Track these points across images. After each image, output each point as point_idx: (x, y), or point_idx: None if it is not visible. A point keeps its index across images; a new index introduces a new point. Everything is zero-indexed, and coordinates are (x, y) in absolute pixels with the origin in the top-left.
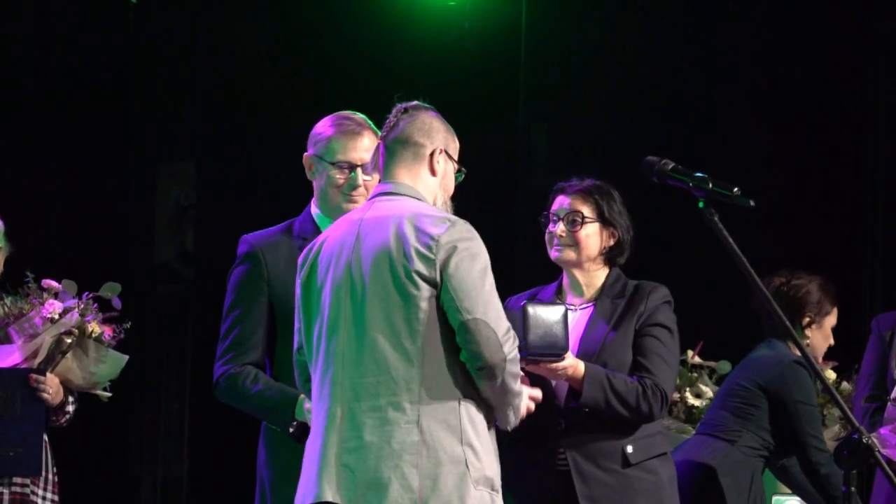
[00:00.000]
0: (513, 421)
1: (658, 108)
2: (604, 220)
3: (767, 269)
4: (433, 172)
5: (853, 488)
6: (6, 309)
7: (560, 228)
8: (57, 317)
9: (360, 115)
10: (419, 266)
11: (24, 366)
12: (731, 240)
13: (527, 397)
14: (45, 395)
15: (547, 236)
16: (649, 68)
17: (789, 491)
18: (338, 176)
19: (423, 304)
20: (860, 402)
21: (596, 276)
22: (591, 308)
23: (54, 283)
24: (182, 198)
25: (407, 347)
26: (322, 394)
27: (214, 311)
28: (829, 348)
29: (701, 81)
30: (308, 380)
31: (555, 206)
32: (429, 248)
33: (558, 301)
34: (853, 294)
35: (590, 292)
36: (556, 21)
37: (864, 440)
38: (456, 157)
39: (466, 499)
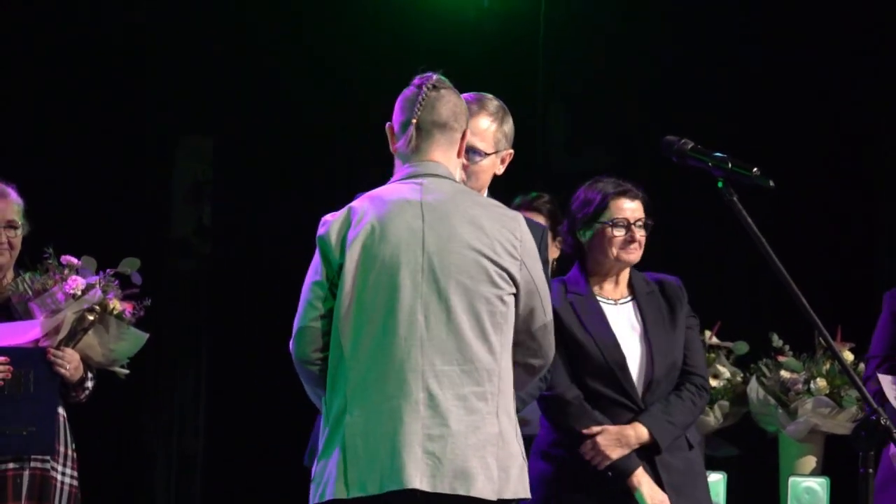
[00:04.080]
0: None
1: (677, 87)
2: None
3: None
4: (459, 154)
5: (871, 470)
6: (25, 286)
7: (641, 234)
8: (80, 293)
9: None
10: (507, 264)
11: (45, 342)
12: (750, 220)
13: None
14: (64, 371)
15: (617, 239)
16: (669, 47)
17: (806, 472)
18: None
19: (507, 299)
20: (871, 385)
21: (624, 273)
22: (632, 304)
23: (73, 260)
24: (199, 173)
25: (491, 340)
26: (383, 374)
27: (230, 286)
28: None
29: (722, 61)
30: (321, 349)
31: (626, 213)
32: (514, 247)
33: None
34: (868, 274)
35: (621, 289)
36: (575, 0)
37: (882, 421)
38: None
39: (527, 490)
